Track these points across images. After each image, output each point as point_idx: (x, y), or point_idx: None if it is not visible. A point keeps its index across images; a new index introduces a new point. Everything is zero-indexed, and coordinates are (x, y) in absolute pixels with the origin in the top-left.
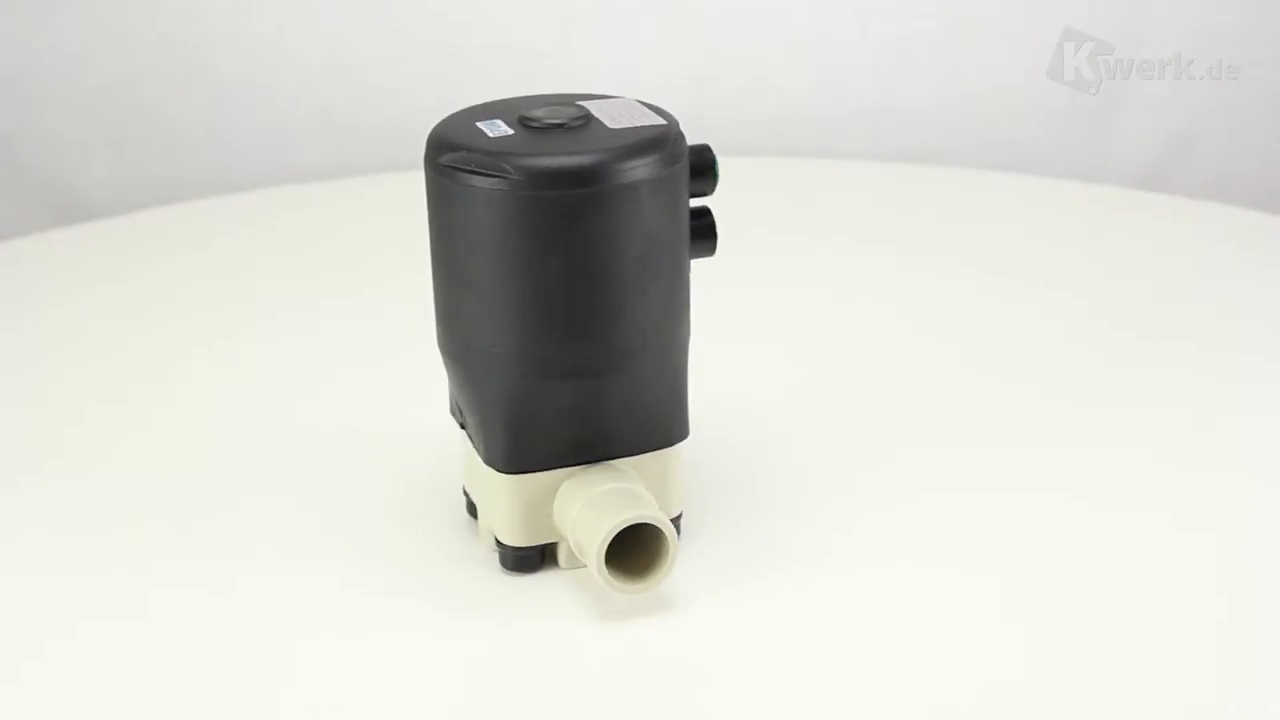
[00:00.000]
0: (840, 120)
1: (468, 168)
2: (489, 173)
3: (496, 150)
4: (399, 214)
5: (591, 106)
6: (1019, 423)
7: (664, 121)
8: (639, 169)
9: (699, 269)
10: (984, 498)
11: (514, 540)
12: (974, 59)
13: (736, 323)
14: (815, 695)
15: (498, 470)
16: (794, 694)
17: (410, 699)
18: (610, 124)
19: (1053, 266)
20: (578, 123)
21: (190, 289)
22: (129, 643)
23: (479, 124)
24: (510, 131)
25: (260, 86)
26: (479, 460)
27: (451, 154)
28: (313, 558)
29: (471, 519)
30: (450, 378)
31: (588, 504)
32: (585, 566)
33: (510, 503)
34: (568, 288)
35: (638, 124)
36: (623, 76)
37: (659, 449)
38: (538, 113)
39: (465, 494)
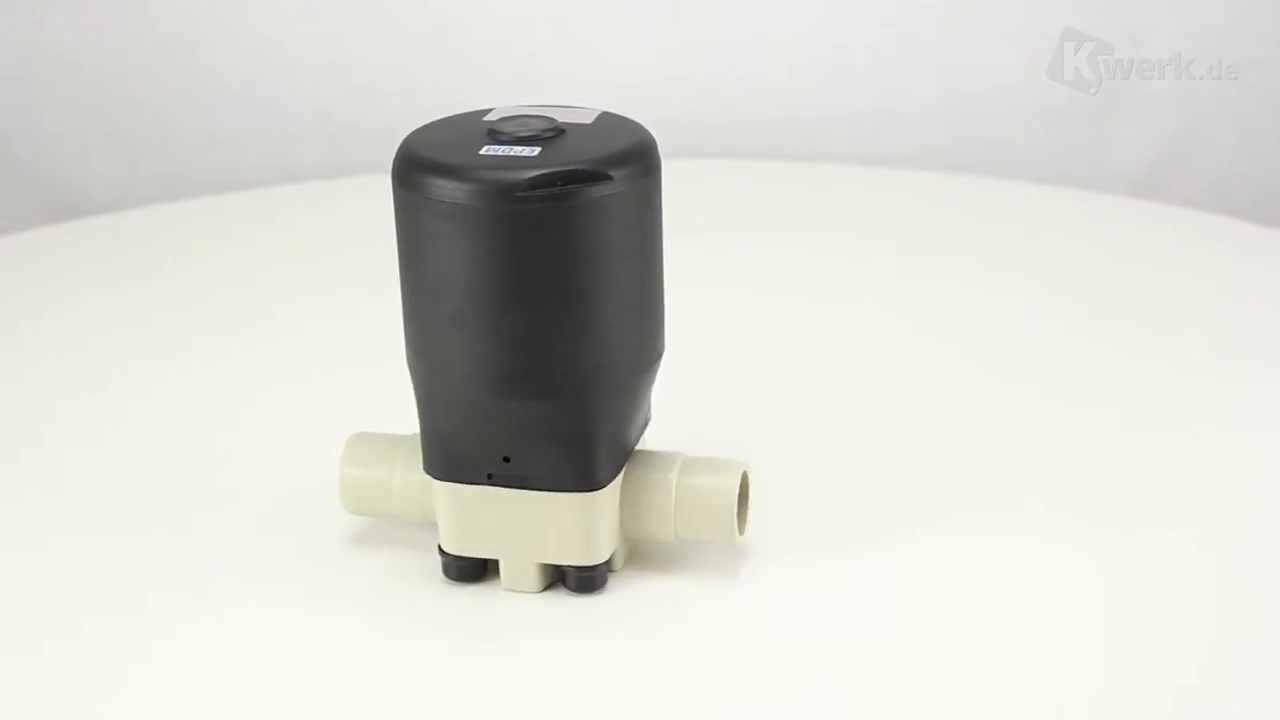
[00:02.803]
0: (840, 121)
1: (556, 185)
2: (592, 184)
3: (572, 162)
4: None
5: (550, 114)
6: (1016, 429)
7: (601, 110)
8: (656, 157)
9: (700, 271)
10: (980, 501)
11: (603, 555)
12: (974, 59)
13: (734, 325)
14: (816, 694)
15: (597, 489)
16: (796, 693)
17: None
18: (594, 123)
19: (1053, 272)
20: (549, 133)
21: (189, 288)
22: (125, 644)
23: (480, 152)
24: (538, 149)
25: (260, 86)
26: (527, 501)
27: (535, 175)
28: (311, 561)
29: (452, 580)
30: (505, 424)
31: (682, 486)
32: (621, 563)
33: (602, 518)
34: (647, 281)
35: (608, 120)
36: (622, 77)
37: (645, 428)
38: (509, 126)
39: (445, 554)
